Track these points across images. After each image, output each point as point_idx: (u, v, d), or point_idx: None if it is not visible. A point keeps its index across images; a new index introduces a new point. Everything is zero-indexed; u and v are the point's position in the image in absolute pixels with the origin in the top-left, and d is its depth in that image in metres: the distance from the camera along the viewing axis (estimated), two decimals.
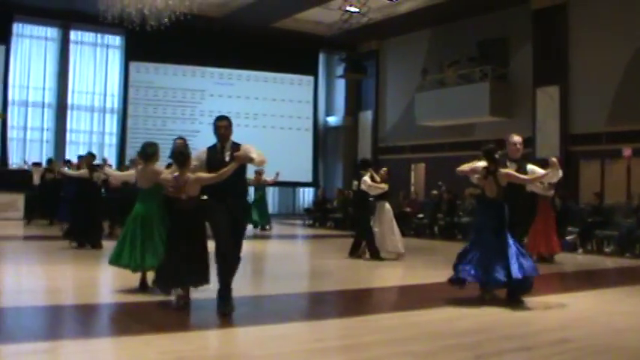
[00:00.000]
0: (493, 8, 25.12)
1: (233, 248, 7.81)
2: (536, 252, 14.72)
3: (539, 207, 15.09)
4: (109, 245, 12.77)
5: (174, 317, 7.63)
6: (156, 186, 8.88)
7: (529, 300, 9.22)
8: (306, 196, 33.43)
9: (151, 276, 8.63)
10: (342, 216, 25.56)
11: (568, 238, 17.87)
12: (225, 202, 7.85)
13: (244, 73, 31.29)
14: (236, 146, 7.99)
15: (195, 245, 7.96)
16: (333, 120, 33.39)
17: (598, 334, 7.21)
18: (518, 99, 24.56)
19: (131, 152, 28.33)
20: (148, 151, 9.13)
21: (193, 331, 6.89)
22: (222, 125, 8.10)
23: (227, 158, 7.90)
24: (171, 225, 8.31)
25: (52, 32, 28.56)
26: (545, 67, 23.31)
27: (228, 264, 7.72)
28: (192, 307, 8.21)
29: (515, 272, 8.54)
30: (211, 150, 8.19)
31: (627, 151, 20.91)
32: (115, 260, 9.19)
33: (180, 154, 8.11)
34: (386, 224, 14.53)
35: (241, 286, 8.48)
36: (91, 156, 15.95)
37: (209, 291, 8.03)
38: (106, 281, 10.95)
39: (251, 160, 7.73)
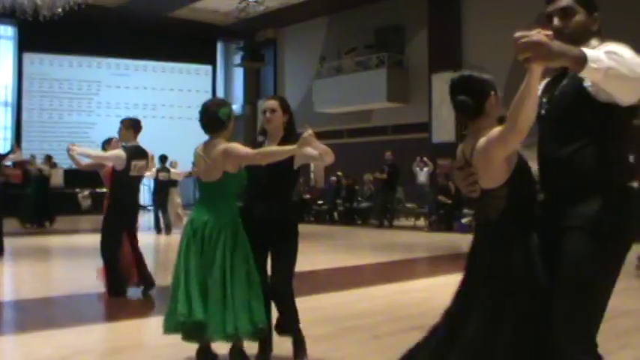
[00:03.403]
0: None
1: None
2: None
3: None
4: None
5: (70, 312, 7.56)
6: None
7: (426, 281, 9.52)
8: None
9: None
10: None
11: (463, 220, 18.35)
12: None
13: (141, 63, 30.87)
14: None
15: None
16: None
17: None
18: (414, 85, 25.01)
19: (27, 146, 27.70)
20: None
21: (91, 325, 6.84)
22: None
23: None
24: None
25: None
26: (440, 54, 23.78)
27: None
28: (91, 300, 8.18)
29: None
30: None
31: None
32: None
33: None
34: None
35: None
36: None
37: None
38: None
39: None
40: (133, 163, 8.23)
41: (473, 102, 3.31)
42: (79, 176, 25.98)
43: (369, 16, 26.57)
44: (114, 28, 27.86)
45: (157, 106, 30.42)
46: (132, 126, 8.44)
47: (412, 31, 25.46)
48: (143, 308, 7.58)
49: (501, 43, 21.88)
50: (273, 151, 5.19)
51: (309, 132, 4.88)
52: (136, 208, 8.73)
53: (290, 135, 5.40)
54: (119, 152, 8.29)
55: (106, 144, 9.05)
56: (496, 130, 3.16)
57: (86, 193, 25.33)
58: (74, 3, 21.06)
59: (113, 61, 30.40)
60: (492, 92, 3.36)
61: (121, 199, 8.28)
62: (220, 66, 33.78)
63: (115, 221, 8.25)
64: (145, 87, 30.85)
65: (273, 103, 5.38)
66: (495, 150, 3.13)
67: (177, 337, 4.76)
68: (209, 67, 32.67)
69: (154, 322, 6.65)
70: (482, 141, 3.18)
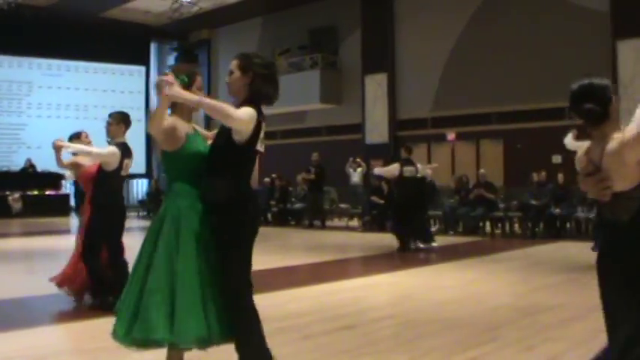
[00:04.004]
0: None
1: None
2: None
3: None
4: None
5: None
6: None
7: (358, 281, 9.66)
8: (140, 187, 32.92)
9: None
10: None
11: None
12: None
13: (73, 64, 30.46)
14: None
15: None
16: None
17: (420, 309, 7.62)
18: (347, 86, 25.21)
19: None
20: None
21: (20, 330, 6.74)
22: None
23: None
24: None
25: None
26: (373, 55, 24.04)
27: None
28: (20, 304, 8.11)
29: None
30: None
31: (451, 135, 22.00)
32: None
33: None
34: None
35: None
36: None
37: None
38: None
39: None
40: (125, 161, 7.54)
41: (599, 109, 3.35)
42: (9, 179, 25.64)
43: (302, 17, 26.71)
44: (45, 28, 27.42)
45: (90, 107, 30.01)
46: (122, 121, 7.71)
47: (345, 32, 25.65)
48: (75, 312, 7.53)
49: (434, 44, 22.40)
50: (152, 114, 4.43)
51: (160, 77, 4.30)
52: (124, 211, 7.89)
53: (255, 96, 4.49)
54: (114, 149, 7.47)
55: (75, 138, 8.11)
56: (629, 131, 3.20)
57: (16, 195, 24.92)
58: (4, 2, 20.75)
59: (45, 62, 29.94)
60: (613, 96, 3.39)
61: (111, 201, 7.55)
62: (154, 67, 33.48)
63: (101, 226, 7.49)
64: (77, 88, 30.45)
65: (231, 64, 4.51)
66: (630, 151, 3.18)
67: (111, 341, 4.70)
68: (142, 68, 32.43)
69: (87, 326, 6.64)
70: (613, 144, 3.24)
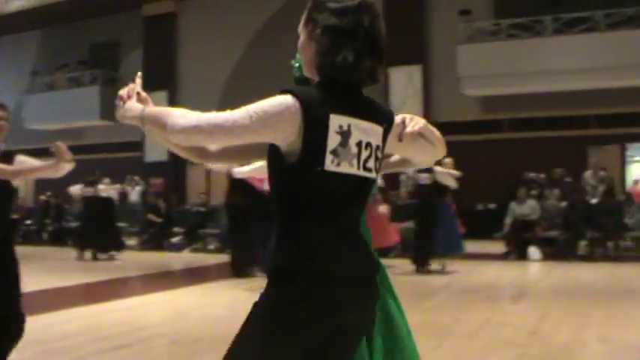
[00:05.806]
0: (105, 12, 25.50)
1: None
2: None
3: None
4: None
5: None
6: None
7: (133, 300, 9.80)
8: None
9: None
10: None
11: (173, 239, 18.72)
12: None
13: None
14: None
15: None
16: None
17: (191, 327, 7.86)
18: None
19: None
20: None
21: None
22: None
23: None
24: None
25: None
26: (154, 73, 24.03)
27: None
28: None
29: None
30: None
31: None
32: None
33: None
34: None
35: None
36: None
37: None
38: None
39: None
40: None
41: None
42: None
43: (84, 32, 26.38)
44: None
45: None
46: None
47: (128, 49, 25.60)
48: None
49: (216, 62, 22.85)
50: None
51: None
52: None
53: (322, 70, 2.42)
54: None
55: None
56: None
57: None
58: None
59: None
60: None
61: None
62: None
63: None
64: None
65: None
66: None
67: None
68: None
69: None
70: None
